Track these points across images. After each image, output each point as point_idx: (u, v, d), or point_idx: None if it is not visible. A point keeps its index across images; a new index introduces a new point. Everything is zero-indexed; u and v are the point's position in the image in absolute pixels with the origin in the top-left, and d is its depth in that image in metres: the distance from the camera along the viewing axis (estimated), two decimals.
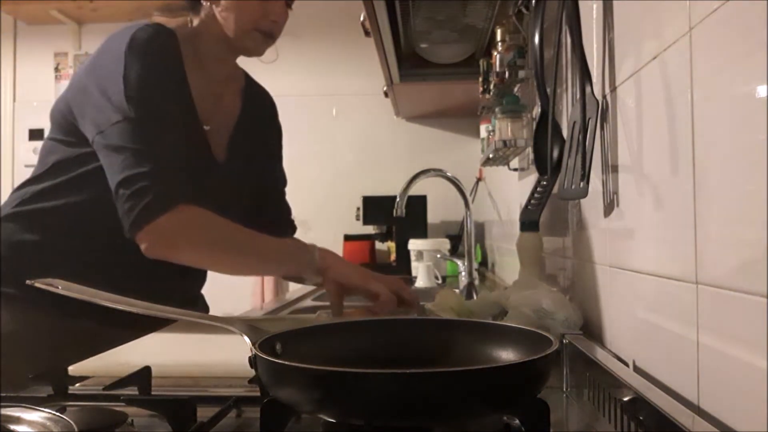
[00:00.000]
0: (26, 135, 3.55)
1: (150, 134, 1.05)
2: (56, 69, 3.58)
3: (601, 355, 0.72)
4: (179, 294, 1.24)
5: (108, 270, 1.05)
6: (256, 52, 1.23)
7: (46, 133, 1.23)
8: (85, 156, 1.12)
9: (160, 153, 1.05)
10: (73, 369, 0.83)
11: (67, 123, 1.15)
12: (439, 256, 2.37)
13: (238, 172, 1.29)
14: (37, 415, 0.53)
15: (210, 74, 1.25)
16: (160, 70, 1.12)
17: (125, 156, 1.03)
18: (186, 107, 1.18)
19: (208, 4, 1.20)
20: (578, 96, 0.93)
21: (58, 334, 1.13)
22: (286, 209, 1.44)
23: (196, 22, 1.22)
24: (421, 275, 2.30)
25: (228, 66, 1.29)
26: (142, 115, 1.05)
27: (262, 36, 1.20)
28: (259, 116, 1.37)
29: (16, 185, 1.23)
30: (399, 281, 1.15)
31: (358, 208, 2.99)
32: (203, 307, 1.39)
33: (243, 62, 1.33)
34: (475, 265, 1.78)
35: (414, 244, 2.57)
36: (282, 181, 1.46)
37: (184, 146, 1.10)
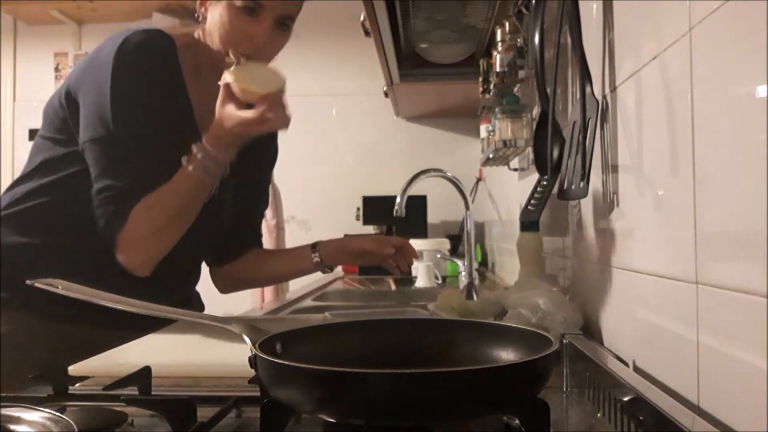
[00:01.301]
0: (26, 135, 3.55)
1: (122, 151, 1.09)
2: (56, 69, 3.59)
3: (601, 355, 0.72)
4: (173, 291, 1.25)
5: (100, 269, 1.05)
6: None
7: None
8: (73, 155, 1.12)
9: (126, 171, 1.08)
10: (73, 369, 0.83)
11: (58, 119, 1.15)
12: (439, 256, 2.36)
13: (231, 186, 1.28)
14: (37, 415, 0.52)
15: (209, 85, 1.20)
16: (147, 80, 1.12)
17: (94, 176, 1.09)
18: (181, 115, 1.17)
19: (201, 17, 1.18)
20: (578, 96, 0.93)
21: (51, 337, 1.13)
22: (260, 231, 1.47)
23: (197, 31, 1.20)
24: (421, 275, 2.30)
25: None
26: (120, 132, 1.08)
27: (243, 59, 1.12)
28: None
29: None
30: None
31: (358, 208, 3.00)
32: (198, 305, 1.39)
33: None
34: (475, 265, 1.78)
35: (414, 244, 2.56)
36: (264, 202, 1.47)
37: (161, 158, 1.10)
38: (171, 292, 1.21)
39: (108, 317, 0.84)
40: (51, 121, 1.17)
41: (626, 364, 0.78)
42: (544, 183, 1.15)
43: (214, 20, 1.13)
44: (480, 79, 1.82)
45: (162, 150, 1.11)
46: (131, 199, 1.07)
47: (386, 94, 2.68)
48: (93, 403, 0.71)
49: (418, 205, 2.85)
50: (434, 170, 1.74)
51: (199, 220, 1.16)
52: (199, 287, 1.40)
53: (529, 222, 1.26)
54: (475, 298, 1.66)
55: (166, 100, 1.14)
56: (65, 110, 1.13)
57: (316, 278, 2.51)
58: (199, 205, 1.12)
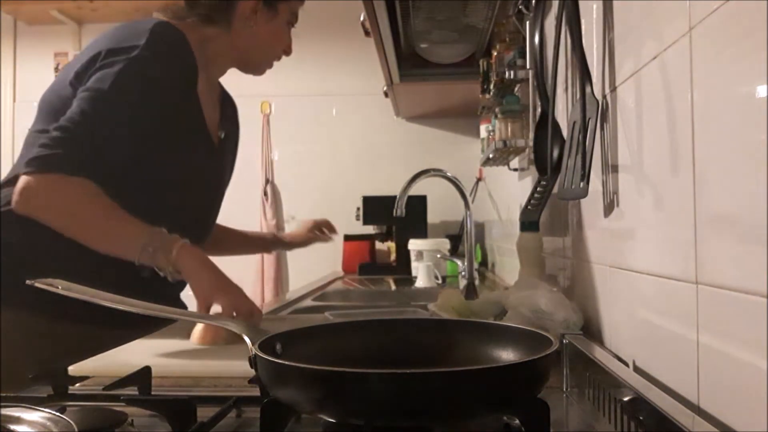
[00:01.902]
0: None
1: (102, 118, 1.09)
2: (56, 69, 3.58)
3: (601, 355, 0.72)
4: (159, 293, 1.26)
5: (97, 265, 1.05)
6: (262, 72, 1.37)
7: None
8: None
9: (97, 133, 1.08)
10: (73, 369, 0.83)
11: (54, 111, 1.15)
12: (439, 256, 2.36)
13: (225, 170, 1.41)
14: (37, 415, 0.52)
15: (211, 79, 1.31)
16: (166, 73, 1.16)
17: (67, 115, 1.08)
18: (191, 114, 1.23)
19: (237, 20, 1.26)
20: (578, 96, 0.93)
21: (51, 337, 1.13)
22: None
23: (210, 30, 1.26)
24: (421, 275, 2.30)
25: (222, 73, 1.37)
26: (106, 108, 1.09)
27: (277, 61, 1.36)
28: (231, 120, 1.44)
29: None
30: (245, 304, 1.10)
31: (358, 208, 2.99)
32: (182, 307, 1.41)
33: None
34: (475, 265, 1.78)
35: (414, 244, 2.57)
36: None
37: (126, 152, 1.12)
38: (167, 290, 1.22)
39: (108, 317, 0.84)
40: (46, 114, 1.17)
41: (626, 364, 0.78)
42: (544, 183, 1.16)
43: (266, 32, 1.30)
44: (480, 79, 1.82)
45: (137, 145, 1.13)
46: (70, 164, 1.06)
47: (386, 94, 2.68)
48: (93, 403, 0.71)
49: (418, 205, 2.85)
50: (434, 170, 1.74)
51: (197, 224, 1.18)
52: None
53: (529, 222, 1.26)
54: (475, 298, 1.66)
55: (178, 99, 1.19)
56: (75, 90, 1.13)
57: (316, 278, 2.51)
58: (104, 251, 1.09)
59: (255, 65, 1.35)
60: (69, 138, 1.07)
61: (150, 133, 1.14)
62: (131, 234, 1.08)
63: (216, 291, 1.06)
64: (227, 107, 1.42)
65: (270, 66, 1.37)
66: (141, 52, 1.11)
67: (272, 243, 1.77)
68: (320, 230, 1.77)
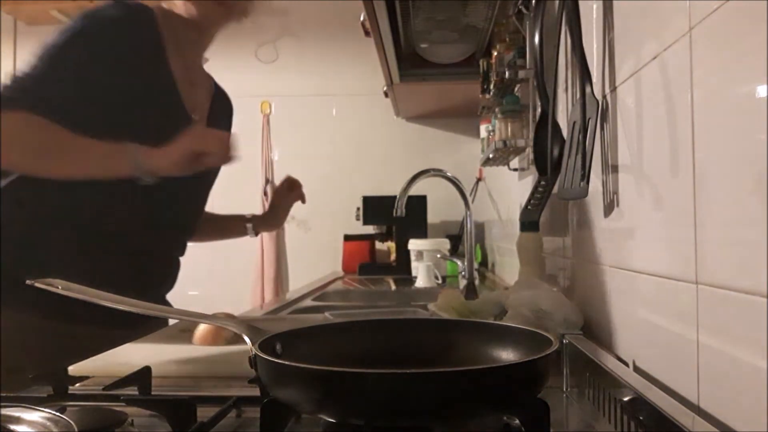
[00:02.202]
0: None
1: (53, 68, 1.08)
2: None
3: (601, 355, 0.72)
4: (158, 293, 1.27)
5: (88, 267, 1.06)
6: (215, 20, 1.27)
7: None
8: None
9: (47, 85, 1.07)
10: (73, 369, 0.83)
11: None
12: (439, 256, 2.36)
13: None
14: (37, 415, 0.53)
15: (186, 60, 1.28)
16: (130, 32, 1.15)
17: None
18: (161, 94, 1.21)
19: None
20: (578, 96, 0.93)
21: (51, 337, 1.13)
22: None
23: (165, 5, 1.25)
24: (421, 275, 2.30)
25: (201, 50, 1.33)
26: (57, 60, 1.08)
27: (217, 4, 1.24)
28: (223, 114, 1.42)
29: None
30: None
31: (358, 208, 3.00)
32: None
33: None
34: (475, 265, 1.78)
35: (414, 244, 2.57)
36: None
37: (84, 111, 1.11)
38: (163, 290, 1.23)
39: (108, 317, 0.84)
40: None
41: (626, 364, 0.79)
42: (544, 183, 1.16)
43: None
44: (480, 79, 1.82)
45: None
46: (15, 102, 1.05)
47: (386, 94, 2.68)
48: (93, 403, 0.71)
49: (418, 205, 2.85)
50: (434, 170, 1.74)
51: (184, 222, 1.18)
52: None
53: (529, 222, 1.26)
54: (475, 298, 1.66)
55: (141, 63, 1.17)
56: None
57: (316, 278, 2.52)
58: (83, 174, 1.09)
59: (207, 26, 1.28)
60: (17, 88, 1.06)
61: (112, 95, 1.12)
62: (94, 156, 1.07)
63: (191, 148, 1.08)
64: (220, 104, 1.40)
65: (223, 20, 1.27)
66: (101, 12, 1.11)
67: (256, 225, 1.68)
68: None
